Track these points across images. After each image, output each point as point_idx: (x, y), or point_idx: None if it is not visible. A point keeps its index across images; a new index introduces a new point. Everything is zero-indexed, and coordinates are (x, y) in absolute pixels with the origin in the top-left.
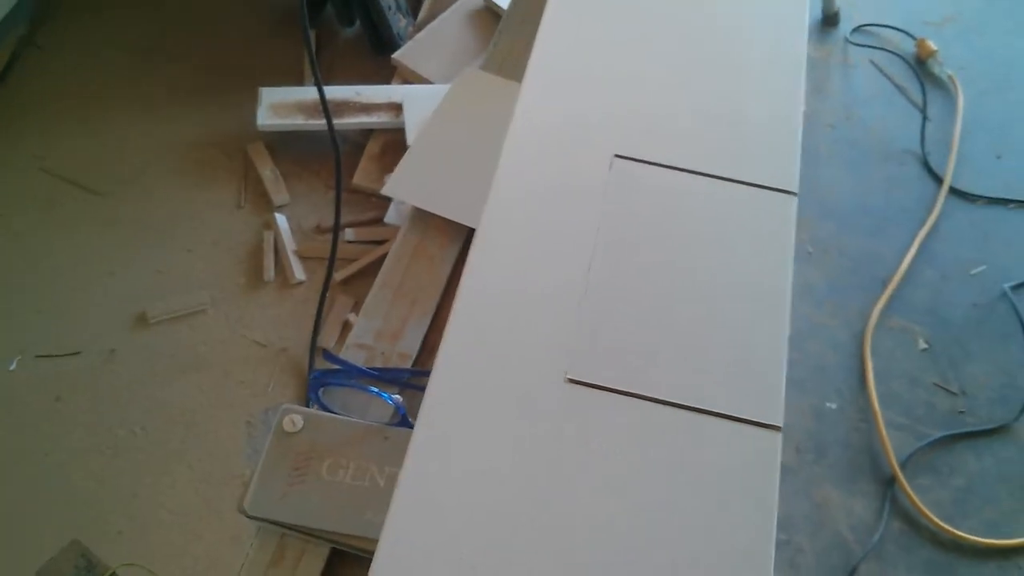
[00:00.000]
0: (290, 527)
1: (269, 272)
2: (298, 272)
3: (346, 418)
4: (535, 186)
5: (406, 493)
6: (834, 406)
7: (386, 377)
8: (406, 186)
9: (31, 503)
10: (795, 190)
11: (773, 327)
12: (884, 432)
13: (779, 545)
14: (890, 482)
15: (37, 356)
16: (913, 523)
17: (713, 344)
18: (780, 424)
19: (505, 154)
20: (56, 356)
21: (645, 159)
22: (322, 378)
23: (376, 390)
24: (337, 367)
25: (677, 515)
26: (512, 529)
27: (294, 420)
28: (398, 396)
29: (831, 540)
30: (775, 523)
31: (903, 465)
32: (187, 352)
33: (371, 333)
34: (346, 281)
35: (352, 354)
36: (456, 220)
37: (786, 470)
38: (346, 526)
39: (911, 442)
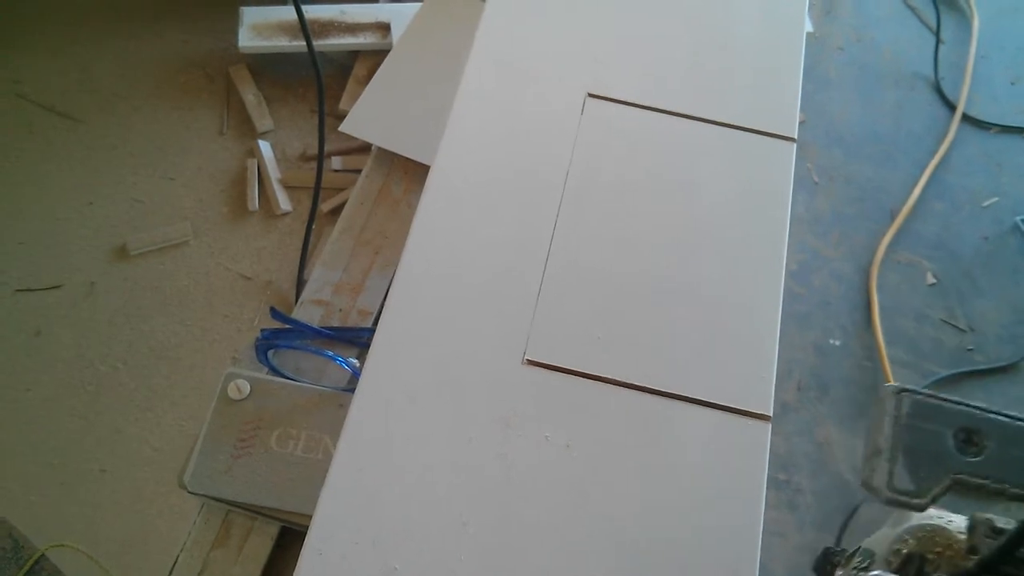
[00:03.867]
0: (236, 504)
1: (253, 202)
2: (283, 202)
3: (298, 383)
4: (496, 128)
5: (339, 480)
6: (838, 343)
7: (343, 337)
8: (367, 122)
9: (11, 440)
10: (793, 136)
11: (765, 303)
12: (889, 370)
13: (779, 485)
14: None
15: (16, 290)
16: None
17: (695, 321)
18: (769, 413)
19: (462, 90)
20: (36, 290)
21: (622, 99)
22: (271, 339)
23: (331, 353)
24: (288, 327)
25: (644, 512)
26: (460, 518)
27: (239, 386)
28: (355, 360)
29: (832, 481)
30: (760, 527)
31: None
32: (170, 285)
33: (329, 287)
34: (333, 212)
35: (307, 311)
36: (421, 161)
37: (787, 408)
38: (296, 503)
39: (917, 380)
